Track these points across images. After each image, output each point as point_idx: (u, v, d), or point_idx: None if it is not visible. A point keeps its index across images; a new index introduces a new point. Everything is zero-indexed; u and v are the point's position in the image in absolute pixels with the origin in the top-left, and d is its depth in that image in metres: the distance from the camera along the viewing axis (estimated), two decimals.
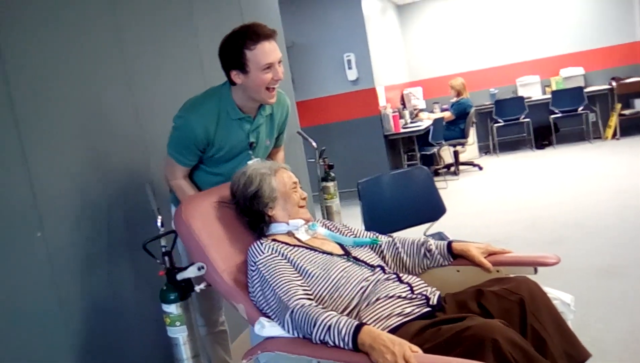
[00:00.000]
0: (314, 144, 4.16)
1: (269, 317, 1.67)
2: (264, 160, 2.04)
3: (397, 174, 2.94)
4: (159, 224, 1.99)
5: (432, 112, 8.21)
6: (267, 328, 1.61)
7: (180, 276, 1.85)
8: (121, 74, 2.38)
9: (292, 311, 1.54)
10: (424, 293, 1.69)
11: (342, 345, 1.41)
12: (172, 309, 1.87)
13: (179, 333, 1.88)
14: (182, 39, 2.86)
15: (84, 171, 2.12)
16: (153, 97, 2.54)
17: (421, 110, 8.30)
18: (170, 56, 2.75)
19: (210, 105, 2.04)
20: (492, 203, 5.65)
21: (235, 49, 1.92)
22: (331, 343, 1.44)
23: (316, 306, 1.56)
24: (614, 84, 7.84)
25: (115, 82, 2.35)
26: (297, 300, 1.57)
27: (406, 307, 1.62)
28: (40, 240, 1.88)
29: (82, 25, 2.20)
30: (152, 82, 2.57)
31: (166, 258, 1.91)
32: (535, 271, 1.75)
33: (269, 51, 1.91)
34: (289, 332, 1.56)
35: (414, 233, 2.31)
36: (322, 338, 1.46)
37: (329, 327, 1.44)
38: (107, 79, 2.30)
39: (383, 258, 1.94)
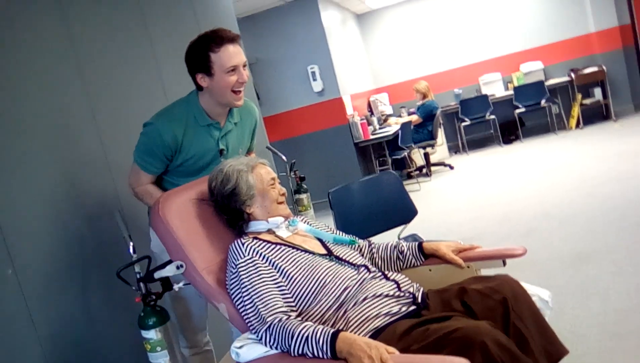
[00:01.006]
0: (284, 157, 4.17)
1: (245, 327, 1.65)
2: (241, 157, 2.00)
3: (366, 181, 2.97)
4: (131, 251, 1.99)
5: (399, 116, 8.30)
6: (243, 354, 1.57)
7: (157, 274, 1.82)
8: (84, 102, 2.37)
9: (270, 326, 1.53)
10: (410, 290, 1.70)
11: (321, 354, 1.42)
12: (152, 334, 1.85)
13: (160, 359, 1.86)
14: (143, 63, 2.87)
15: (52, 203, 2.11)
16: (116, 123, 2.54)
17: (389, 115, 8.40)
18: (132, 81, 2.75)
19: (179, 111, 2.06)
20: (465, 201, 5.73)
21: (201, 52, 1.96)
22: (310, 355, 1.44)
23: (294, 318, 1.56)
24: (572, 75, 8.04)
25: (79, 111, 2.34)
26: (274, 313, 1.56)
27: (393, 306, 1.62)
28: (12, 276, 1.86)
29: (43, 58, 2.21)
30: (115, 109, 2.56)
31: (141, 284, 1.89)
32: (504, 263, 1.79)
33: (233, 54, 1.96)
34: (266, 345, 1.54)
35: (389, 237, 2.34)
36: (301, 350, 1.45)
37: (307, 338, 1.44)
38: (71, 109, 2.30)
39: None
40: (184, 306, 2.21)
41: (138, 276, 1.90)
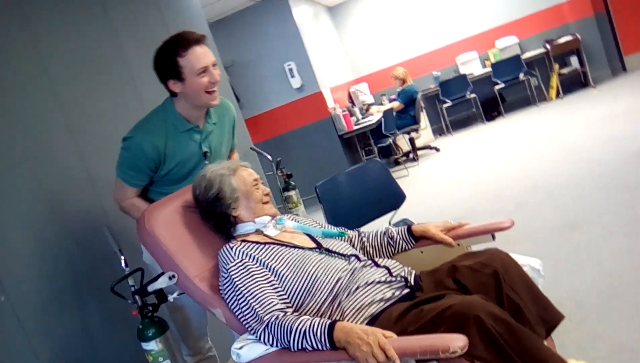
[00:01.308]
0: (269, 157, 4.17)
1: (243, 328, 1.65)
2: (222, 161, 1.99)
3: (352, 171, 2.97)
4: (123, 265, 1.98)
5: (381, 104, 8.31)
6: (244, 355, 1.57)
7: (151, 287, 1.81)
8: (61, 124, 2.36)
9: (268, 325, 1.53)
10: (402, 274, 1.70)
11: (320, 346, 1.42)
12: (153, 345, 1.85)
13: None
14: (117, 76, 2.85)
15: (38, 225, 2.10)
16: (95, 140, 2.52)
17: (370, 104, 8.41)
18: (108, 97, 2.73)
19: (157, 121, 2.04)
20: (454, 181, 5.76)
21: (168, 58, 1.94)
22: (309, 348, 1.44)
23: (291, 314, 1.56)
24: (548, 46, 8.08)
25: (58, 133, 2.33)
26: (271, 312, 1.56)
27: (387, 292, 1.63)
28: (5, 303, 1.85)
29: (15, 79, 2.20)
30: (92, 127, 2.55)
31: (137, 297, 1.89)
32: (493, 237, 1.80)
33: (201, 55, 1.94)
34: (265, 344, 1.55)
35: (380, 225, 2.34)
36: (300, 345, 1.46)
37: (304, 332, 1.45)
38: (50, 131, 2.28)
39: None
40: (182, 314, 2.21)
41: (133, 289, 1.89)
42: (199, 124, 2.11)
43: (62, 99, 2.40)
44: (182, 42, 1.93)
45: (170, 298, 1.87)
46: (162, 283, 1.79)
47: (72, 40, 2.57)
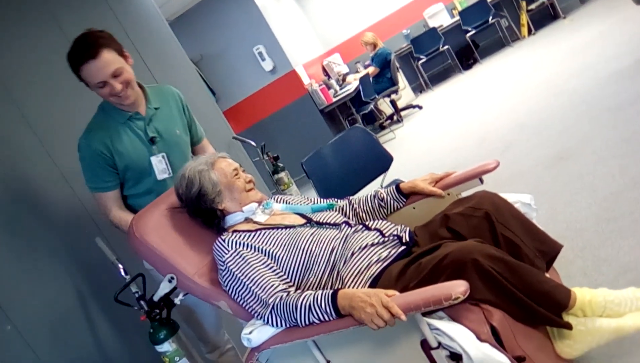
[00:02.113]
0: (253, 143, 4.16)
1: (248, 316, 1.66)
2: (199, 156, 1.98)
3: (335, 142, 2.95)
4: (122, 273, 1.98)
5: (356, 72, 8.25)
6: (254, 339, 1.58)
7: (156, 296, 1.82)
8: (37, 147, 2.33)
9: (273, 307, 1.54)
10: (395, 233, 1.71)
11: (326, 317, 1.43)
12: (166, 347, 1.86)
13: None
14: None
15: (34, 250, 2.09)
16: (73, 158, 2.49)
17: (346, 74, 8.35)
18: (78, 111, 2.68)
19: (97, 120, 2.06)
20: (441, 135, 5.75)
21: (73, 70, 1.92)
22: (317, 321, 1.45)
23: (294, 292, 1.57)
24: None
25: (37, 157, 2.30)
26: (274, 294, 1.57)
27: (382, 252, 1.63)
28: (13, 331, 1.85)
29: None
30: (68, 145, 2.51)
31: (142, 302, 1.89)
32: (481, 181, 1.80)
33: (95, 71, 1.89)
34: (274, 326, 1.55)
35: (372, 189, 2.34)
36: (307, 320, 1.47)
37: (309, 306, 1.46)
38: (28, 156, 2.26)
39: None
40: (192, 313, 2.21)
41: (137, 295, 1.89)
42: (139, 111, 2.08)
43: (33, 122, 2.36)
44: (77, 58, 1.89)
45: (177, 300, 1.87)
46: (164, 288, 1.80)
47: (28, 57, 2.52)
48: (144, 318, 1.88)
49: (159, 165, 2.10)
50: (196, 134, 2.33)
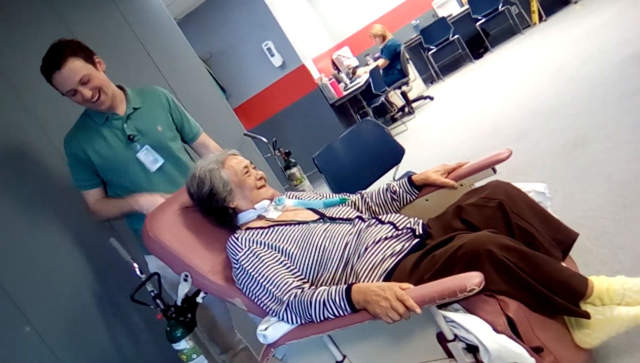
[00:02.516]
0: (264, 139, 4.17)
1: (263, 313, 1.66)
2: (209, 155, 1.99)
3: (347, 136, 2.94)
4: (138, 272, 1.99)
5: (366, 65, 8.22)
6: (270, 335, 1.59)
7: (179, 300, 1.83)
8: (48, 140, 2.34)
9: (288, 304, 1.54)
10: (408, 226, 1.70)
11: (341, 312, 1.43)
12: (184, 345, 1.86)
13: None
14: None
15: (50, 252, 2.11)
16: None
17: (356, 67, 8.31)
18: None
19: (80, 123, 2.12)
20: (453, 125, 5.71)
21: (47, 80, 1.97)
22: (332, 316, 1.45)
23: (308, 289, 1.57)
24: None
25: (54, 161, 2.32)
26: (289, 291, 1.57)
27: (396, 246, 1.63)
28: (32, 333, 1.87)
29: None
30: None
31: (158, 301, 1.90)
32: (494, 171, 1.78)
33: (63, 81, 1.94)
34: (289, 322, 1.56)
35: (384, 182, 2.33)
36: (322, 316, 1.47)
37: (324, 302, 1.45)
38: (44, 160, 2.28)
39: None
40: (206, 314, 2.22)
41: (152, 294, 1.90)
42: (116, 112, 2.12)
43: (40, 116, 2.37)
44: (46, 70, 1.94)
45: (199, 299, 1.87)
46: (182, 288, 1.80)
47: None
48: (160, 317, 1.89)
49: (147, 158, 2.13)
50: (190, 131, 2.34)
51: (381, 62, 7.50)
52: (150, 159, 2.13)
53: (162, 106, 2.25)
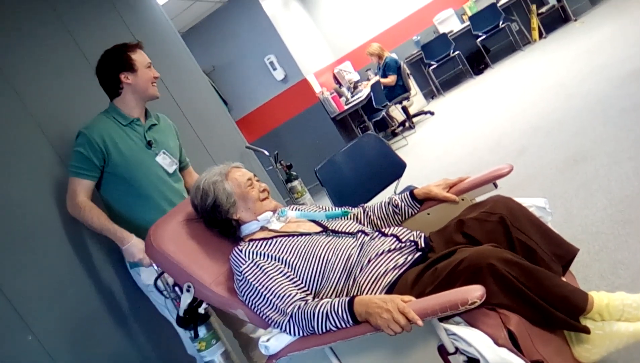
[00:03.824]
0: (266, 152, 4.19)
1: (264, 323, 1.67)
2: (213, 167, 2.03)
3: (348, 149, 2.95)
4: (155, 266, 1.98)
5: (367, 80, 8.26)
6: (272, 346, 1.59)
7: (181, 310, 1.84)
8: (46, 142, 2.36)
9: (291, 316, 1.54)
10: (411, 238, 1.71)
11: (343, 324, 1.44)
12: (201, 333, 1.88)
13: (218, 351, 1.91)
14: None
15: (52, 259, 2.11)
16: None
17: (357, 82, 8.36)
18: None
19: (100, 119, 2.29)
20: (454, 140, 5.73)
21: (121, 55, 2.27)
22: (334, 328, 1.46)
23: (311, 301, 1.57)
24: None
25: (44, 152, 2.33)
26: (292, 303, 1.57)
27: (399, 258, 1.63)
28: (34, 342, 1.87)
29: None
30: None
31: (177, 289, 1.90)
32: (495, 186, 1.80)
33: (146, 55, 2.33)
34: (292, 334, 1.56)
35: (386, 196, 2.34)
36: (325, 327, 1.47)
37: (327, 314, 1.46)
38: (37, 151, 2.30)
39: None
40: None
41: (171, 285, 1.93)
42: (140, 118, 2.34)
43: (43, 120, 2.38)
44: (130, 45, 2.30)
45: (201, 310, 1.89)
46: (185, 299, 1.81)
47: (48, 75, 2.56)
48: (179, 304, 1.89)
49: (164, 161, 2.34)
50: (184, 159, 2.57)
51: (390, 79, 7.48)
52: (167, 161, 2.35)
53: (172, 130, 2.54)
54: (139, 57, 2.28)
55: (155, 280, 1.90)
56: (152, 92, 2.34)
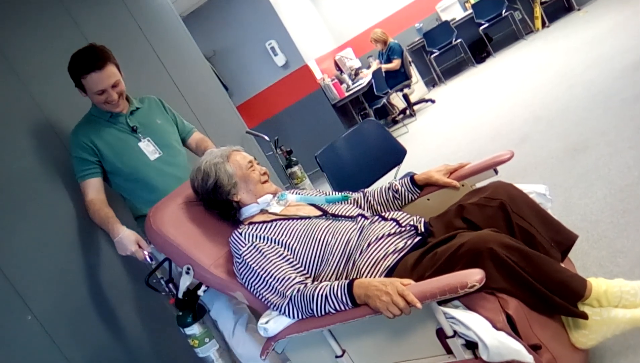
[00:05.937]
0: (266, 137, 4.17)
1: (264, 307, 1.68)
2: (213, 150, 2.04)
3: (349, 135, 2.96)
4: (148, 259, 2.00)
5: (369, 67, 8.23)
6: (271, 329, 1.61)
7: (180, 293, 1.85)
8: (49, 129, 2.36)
9: (291, 299, 1.55)
10: (411, 223, 1.72)
11: (342, 307, 1.44)
12: (195, 329, 1.88)
13: (212, 349, 1.91)
14: None
15: (53, 241, 2.11)
16: None
17: (359, 69, 8.33)
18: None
19: (83, 120, 2.29)
20: (455, 128, 5.72)
21: (74, 75, 2.17)
22: (333, 311, 1.47)
23: (311, 284, 1.58)
24: None
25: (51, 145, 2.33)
26: (292, 286, 1.58)
27: (399, 242, 1.64)
28: (33, 321, 1.88)
29: None
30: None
31: (170, 286, 1.92)
32: (496, 172, 1.80)
33: (98, 81, 2.15)
34: (291, 317, 1.57)
35: (385, 182, 2.34)
36: (324, 310, 1.48)
37: (326, 296, 1.47)
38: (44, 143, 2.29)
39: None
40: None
41: (162, 280, 1.93)
42: (121, 111, 2.31)
43: (47, 112, 2.39)
44: (83, 67, 2.13)
45: (200, 292, 1.89)
46: (184, 281, 1.82)
47: (45, 54, 2.55)
48: (173, 301, 1.90)
49: (147, 148, 2.31)
50: (184, 129, 2.54)
51: (395, 63, 7.45)
52: (150, 149, 2.30)
53: (158, 106, 2.50)
54: (88, 84, 2.15)
55: (147, 277, 1.89)
56: (108, 110, 2.27)
